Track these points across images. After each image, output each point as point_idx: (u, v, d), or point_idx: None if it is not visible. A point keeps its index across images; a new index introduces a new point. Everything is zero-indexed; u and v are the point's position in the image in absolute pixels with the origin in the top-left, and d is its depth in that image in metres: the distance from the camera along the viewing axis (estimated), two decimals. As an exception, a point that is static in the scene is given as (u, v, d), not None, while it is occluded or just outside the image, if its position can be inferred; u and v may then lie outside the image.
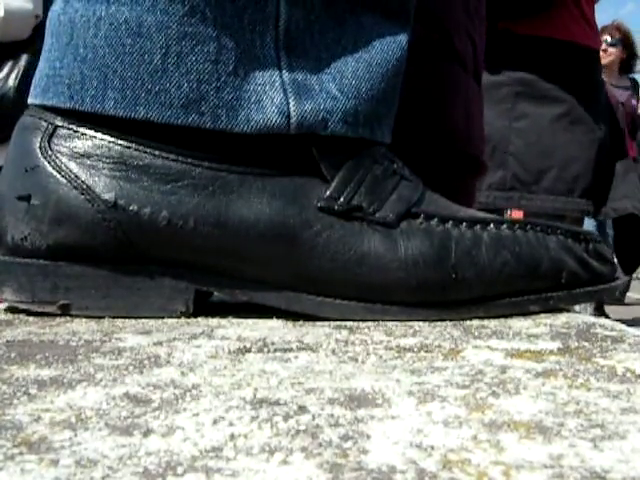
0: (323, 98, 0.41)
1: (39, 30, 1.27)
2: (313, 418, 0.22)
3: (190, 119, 0.39)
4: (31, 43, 1.26)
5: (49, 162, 0.40)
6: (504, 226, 0.43)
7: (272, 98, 0.40)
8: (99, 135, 0.40)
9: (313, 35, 0.41)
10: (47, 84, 0.42)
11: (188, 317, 0.41)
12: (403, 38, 0.44)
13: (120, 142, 0.40)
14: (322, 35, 0.42)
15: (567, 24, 1.58)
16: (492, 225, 0.43)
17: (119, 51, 0.39)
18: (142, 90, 0.39)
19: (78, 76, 0.40)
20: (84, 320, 0.40)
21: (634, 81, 3.78)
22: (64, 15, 0.41)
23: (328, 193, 0.41)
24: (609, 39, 3.36)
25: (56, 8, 0.42)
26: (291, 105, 0.40)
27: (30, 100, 0.43)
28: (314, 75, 0.41)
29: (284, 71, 0.40)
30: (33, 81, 0.43)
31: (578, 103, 1.60)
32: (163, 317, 0.40)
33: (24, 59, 1.26)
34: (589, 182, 1.64)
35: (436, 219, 0.42)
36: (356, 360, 0.31)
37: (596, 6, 1.72)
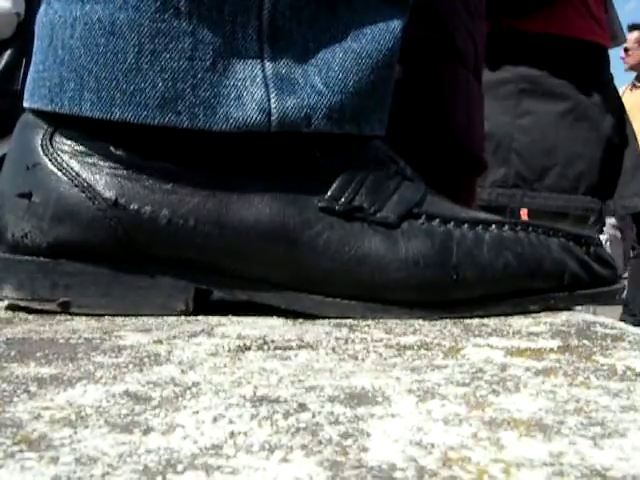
0: (307, 93, 0.39)
1: (22, 29, 1.26)
2: (313, 416, 0.22)
3: (167, 119, 0.38)
4: (14, 42, 1.25)
5: (50, 160, 0.40)
6: (506, 227, 0.43)
7: (252, 94, 0.38)
8: (100, 134, 0.40)
9: (301, 23, 0.39)
10: (34, 87, 0.41)
11: (188, 315, 0.41)
12: (397, 24, 0.42)
13: (122, 141, 0.40)
14: (311, 23, 0.40)
15: (573, 20, 1.57)
16: (494, 226, 0.43)
17: (93, 51, 0.38)
18: (117, 91, 0.38)
19: (57, 78, 0.40)
20: (84, 318, 0.40)
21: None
22: (46, 17, 0.41)
23: (329, 193, 0.41)
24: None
25: (41, 10, 0.42)
26: (272, 101, 0.38)
27: (23, 103, 0.43)
28: (299, 67, 0.39)
29: (267, 64, 0.39)
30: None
31: (584, 100, 1.59)
32: (163, 315, 0.40)
33: (5, 59, 1.25)
34: (594, 180, 1.62)
35: (438, 220, 0.42)
36: (356, 358, 0.31)
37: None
